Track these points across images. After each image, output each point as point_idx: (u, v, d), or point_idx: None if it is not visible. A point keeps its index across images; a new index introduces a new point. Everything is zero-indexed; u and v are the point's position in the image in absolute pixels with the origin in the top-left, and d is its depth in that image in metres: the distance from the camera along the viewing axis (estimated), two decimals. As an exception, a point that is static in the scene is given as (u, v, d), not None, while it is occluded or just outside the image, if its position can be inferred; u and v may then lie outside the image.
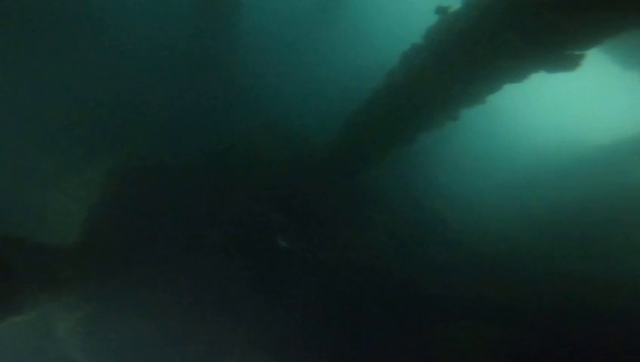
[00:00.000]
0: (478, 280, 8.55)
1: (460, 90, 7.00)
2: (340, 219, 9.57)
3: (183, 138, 10.09)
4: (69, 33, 10.30)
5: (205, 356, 6.10)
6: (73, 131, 8.62)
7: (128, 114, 9.85)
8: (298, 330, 7.25)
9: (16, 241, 4.99)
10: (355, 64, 17.18)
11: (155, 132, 9.76)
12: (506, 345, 6.94)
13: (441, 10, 6.95)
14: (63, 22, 10.22)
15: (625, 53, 13.51)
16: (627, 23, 4.53)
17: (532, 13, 4.92)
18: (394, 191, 11.81)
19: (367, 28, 19.59)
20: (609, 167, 14.87)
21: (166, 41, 12.17)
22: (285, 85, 14.46)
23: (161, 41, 12.05)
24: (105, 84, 10.15)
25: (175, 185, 7.64)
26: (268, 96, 13.51)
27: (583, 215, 12.45)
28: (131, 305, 5.80)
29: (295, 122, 12.90)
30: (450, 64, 6.66)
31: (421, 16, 19.99)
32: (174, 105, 10.95)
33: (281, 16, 16.62)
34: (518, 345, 6.95)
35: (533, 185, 15.74)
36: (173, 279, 6.48)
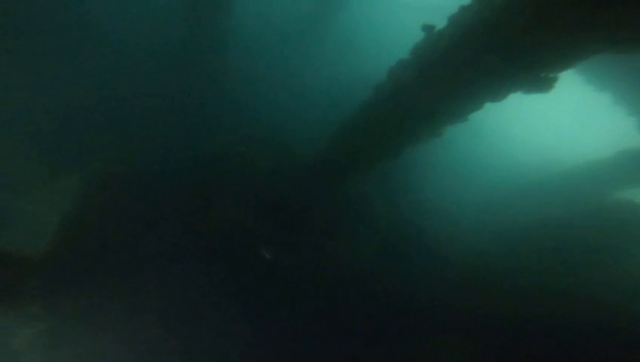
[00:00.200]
0: (460, 293, 8.63)
1: (444, 107, 7.16)
2: (325, 229, 9.52)
3: (165, 145, 9.90)
4: (43, 36, 10.06)
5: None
6: (48, 136, 8.34)
7: (107, 119, 9.61)
8: (281, 341, 7.08)
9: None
10: (345, 76, 17.43)
11: (136, 138, 9.55)
12: (486, 358, 6.97)
13: (427, 28, 7.14)
14: (38, 25, 9.99)
15: (597, 75, 14.26)
16: (598, 46, 4.77)
17: (509, 35, 5.13)
18: (378, 203, 11.89)
19: (358, 40, 19.98)
20: (583, 187, 15.43)
21: (150, 45, 12.03)
22: (273, 94, 14.50)
23: (144, 45, 11.91)
24: (83, 88, 9.91)
25: (155, 194, 7.44)
26: (255, 104, 13.50)
27: (558, 232, 12.84)
28: (98, 318, 5.53)
29: (282, 131, 12.90)
30: (434, 81, 6.83)
31: (411, 31, 20.57)
32: (157, 110, 10.77)
33: (273, 24, 16.78)
34: (497, 359, 6.99)
35: (512, 201, 16.19)
36: (147, 291, 6.23)
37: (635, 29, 4.48)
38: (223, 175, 9.48)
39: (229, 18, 12.08)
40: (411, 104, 7.50)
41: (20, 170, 7.59)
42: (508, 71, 5.53)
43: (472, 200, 15.99)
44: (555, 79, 5.89)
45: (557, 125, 50.36)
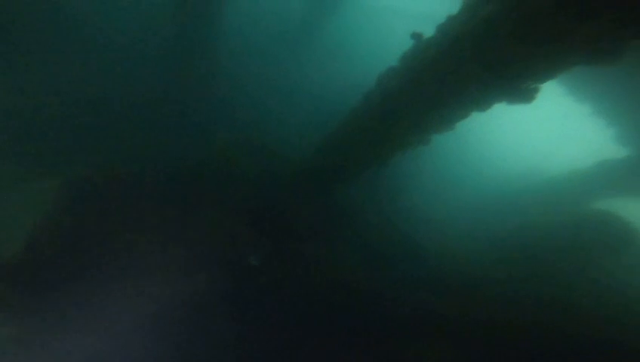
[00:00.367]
0: (443, 299, 8.69)
1: (431, 115, 7.26)
2: (312, 235, 9.47)
3: (149, 148, 9.70)
4: (23, 35, 9.78)
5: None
6: (25, 138, 8.05)
7: (88, 121, 9.36)
8: (266, 348, 6.95)
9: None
10: (335, 81, 17.54)
11: (118, 142, 9.32)
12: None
13: (416, 36, 7.24)
14: (18, 25, 9.72)
15: (578, 86, 14.80)
16: (578, 58, 4.94)
17: (493, 45, 5.26)
18: (366, 209, 11.93)
19: (348, 47, 20.15)
20: (562, 197, 15.86)
21: (134, 47, 11.84)
22: (262, 98, 14.45)
23: (128, 46, 11.71)
24: (63, 90, 9.64)
25: (136, 199, 7.26)
26: (243, 108, 13.41)
27: (537, 242, 13.14)
28: (67, 324, 5.31)
29: (270, 136, 12.84)
30: (421, 89, 6.92)
31: (402, 39, 20.88)
32: (140, 114, 10.55)
33: (262, 29, 16.78)
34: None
35: (496, 209, 16.51)
36: (121, 298, 6.02)
37: (613, 42, 4.66)
38: (209, 180, 9.34)
39: (218, 21, 12.03)
40: (400, 111, 7.58)
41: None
42: (492, 81, 5.66)
43: (456, 208, 16.23)
44: (537, 90, 6.06)
45: (539, 135, 51.90)
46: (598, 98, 14.71)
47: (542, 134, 51.31)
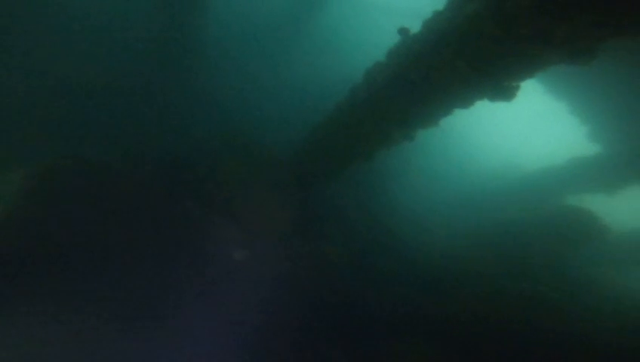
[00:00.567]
0: (423, 296, 8.90)
1: (416, 111, 7.37)
2: (295, 231, 9.47)
3: (128, 140, 9.40)
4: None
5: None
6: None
7: (63, 110, 8.95)
8: (243, 345, 6.94)
9: None
10: (323, 77, 17.46)
11: (94, 131, 8.97)
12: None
13: (403, 32, 7.28)
14: None
15: (555, 84, 15.32)
16: (555, 57, 5.15)
17: (476, 43, 5.39)
18: (349, 205, 12.03)
19: (337, 42, 20.05)
20: (536, 192, 16.45)
21: (113, 36, 11.37)
22: (248, 93, 14.25)
23: (108, 35, 11.23)
24: (33, 78, 9.16)
25: (111, 191, 7.03)
26: (228, 102, 13.19)
27: (515, 235, 13.60)
28: (32, 320, 5.14)
29: (255, 131, 12.71)
30: (407, 84, 7.01)
31: (390, 34, 20.89)
32: (116, 103, 10.17)
33: (250, 23, 16.47)
34: None
35: (476, 204, 16.97)
36: (89, 293, 5.87)
37: (588, 42, 4.87)
38: (190, 174, 9.16)
39: (204, 16, 11.73)
40: (385, 106, 7.66)
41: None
42: (475, 78, 5.81)
43: (436, 203, 16.60)
44: (517, 88, 6.26)
45: (518, 132, 53.52)
46: (572, 96, 15.29)
47: (520, 131, 52.98)
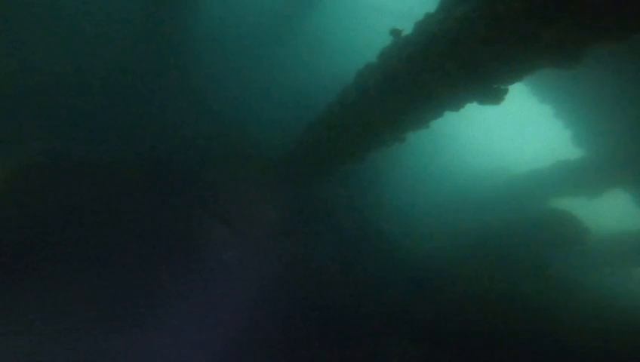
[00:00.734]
0: (411, 296, 8.94)
1: (407, 113, 7.38)
2: (286, 230, 9.40)
3: (116, 137, 9.12)
4: None
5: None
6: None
7: (45, 103, 8.62)
8: (231, 345, 6.84)
9: None
10: (315, 77, 17.37)
11: (78, 126, 8.67)
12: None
13: (394, 33, 7.26)
14: None
15: (540, 87, 15.63)
16: (542, 61, 5.22)
17: (466, 45, 5.42)
18: (339, 205, 11.99)
19: (329, 42, 19.98)
20: (522, 195, 16.75)
21: (98, 27, 11.03)
22: (239, 92, 14.07)
23: (90, 26, 10.88)
24: (11, 64, 8.78)
25: (97, 188, 6.82)
26: (218, 102, 12.99)
27: (503, 237, 13.82)
28: (11, 318, 4.94)
29: (245, 131, 12.55)
30: (398, 86, 7.01)
31: (383, 35, 20.90)
32: (110, 99, 9.88)
33: (242, 22, 16.28)
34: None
35: (463, 206, 17.17)
36: (68, 292, 5.68)
37: (574, 46, 4.96)
38: (177, 171, 8.97)
39: (196, 15, 11.51)
40: (376, 108, 7.64)
41: None
42: (465, 80, 5.85)
43: (424, 204, 16.73)
44: (505, 91, 6.34)
45: (506, 134, 54.53)
46: (557, 100, 15.63)
47: (507, 133, 54.00)
